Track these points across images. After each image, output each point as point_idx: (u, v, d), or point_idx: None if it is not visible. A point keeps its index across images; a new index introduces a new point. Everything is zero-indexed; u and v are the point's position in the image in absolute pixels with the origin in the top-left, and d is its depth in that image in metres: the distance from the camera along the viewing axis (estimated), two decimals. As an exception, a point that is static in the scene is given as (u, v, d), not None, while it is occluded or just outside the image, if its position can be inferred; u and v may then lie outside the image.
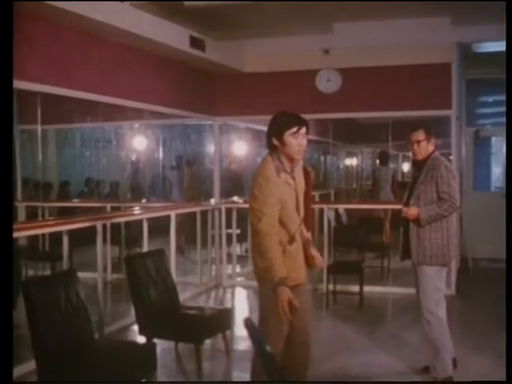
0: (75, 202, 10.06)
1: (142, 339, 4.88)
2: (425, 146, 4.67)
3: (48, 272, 7.40)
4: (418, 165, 4.76)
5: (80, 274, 4.43)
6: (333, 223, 8.33)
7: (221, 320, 5.09)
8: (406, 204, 4.68)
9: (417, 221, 4.55)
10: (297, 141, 3.55)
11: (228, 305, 7.52)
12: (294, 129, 3.54)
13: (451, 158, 7.82)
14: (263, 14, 6.81)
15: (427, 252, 4.56)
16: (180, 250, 9.13)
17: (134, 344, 4.83)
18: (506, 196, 4.37)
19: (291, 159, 3.61)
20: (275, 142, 3.58)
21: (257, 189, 3.52)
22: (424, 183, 4.60)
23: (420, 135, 4.69)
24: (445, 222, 4.60)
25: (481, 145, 10.87)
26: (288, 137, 3.54)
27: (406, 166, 11.00)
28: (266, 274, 3.46)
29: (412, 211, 4.56)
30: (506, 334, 3.65)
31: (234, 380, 4.95)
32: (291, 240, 3.61)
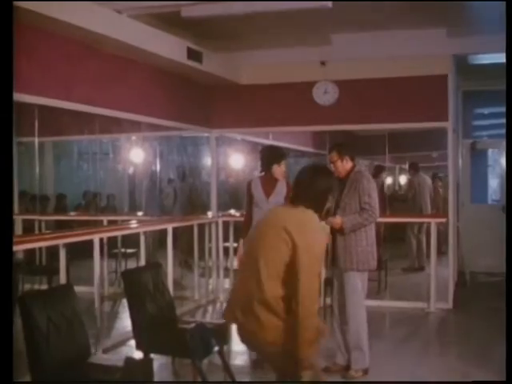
0: (72, 216, 10.02)
1: (138, 354, 4.84)
2: (341, 165, 5.10)
3: (45, 286, 7.34)
4: (342, 180, 5.06)
5: (77, 288, 4.38)
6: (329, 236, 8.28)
7: (218, 335, 5.04)
8: (333, 215, 4.96)
9: (340, 229, 4.96)
10: None
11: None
12: None
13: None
14: (260, 25, 6.82)
15: (354, 259, 5.00)
16: (187, 264, 9.13)
17: (131, 359, 4.78)
18: (506, 206, 4.37)
19: None
20: None
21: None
22: (348, 196, 5.03)
23: (333, 157, 5.13)
24: (369, 231, 5.07)
25: (478, 157, 10.85)
26: None
27: (402, 179, 11.02)
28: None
29: (336, 220, 4.94)
30: (506, 334, 3.65)
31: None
32: None
